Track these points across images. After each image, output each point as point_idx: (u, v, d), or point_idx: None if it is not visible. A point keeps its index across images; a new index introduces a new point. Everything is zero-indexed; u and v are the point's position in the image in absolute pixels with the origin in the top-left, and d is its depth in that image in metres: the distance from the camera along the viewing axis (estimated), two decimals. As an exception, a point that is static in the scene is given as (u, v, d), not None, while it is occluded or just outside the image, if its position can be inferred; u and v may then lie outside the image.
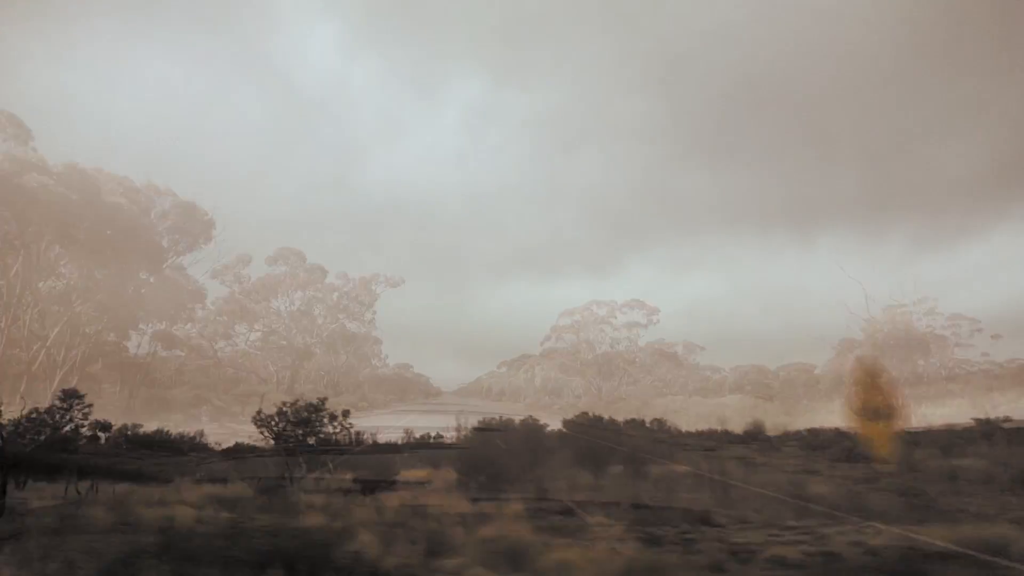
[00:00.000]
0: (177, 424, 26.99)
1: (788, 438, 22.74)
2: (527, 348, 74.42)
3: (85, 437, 15.22)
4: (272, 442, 14.56)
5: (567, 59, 78.50)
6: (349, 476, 14.78)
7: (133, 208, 42.42)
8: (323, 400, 15.23)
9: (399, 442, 19.50)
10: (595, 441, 15.98)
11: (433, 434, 20.85)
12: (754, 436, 22.12)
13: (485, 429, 18.12)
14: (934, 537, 6.89)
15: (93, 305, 39.80)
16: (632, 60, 74.12)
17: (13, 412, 14.47)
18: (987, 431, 22.13)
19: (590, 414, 25.32)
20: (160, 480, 13.27)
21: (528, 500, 10.45)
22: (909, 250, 57.99)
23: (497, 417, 21.11)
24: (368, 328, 58.40)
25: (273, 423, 14.53)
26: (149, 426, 18.56)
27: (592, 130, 77.72)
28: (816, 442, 20.78)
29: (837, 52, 64.89)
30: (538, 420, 18.64)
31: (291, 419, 14.59)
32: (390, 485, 13.17)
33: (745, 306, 61.21)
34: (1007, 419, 26.94)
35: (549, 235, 75.74)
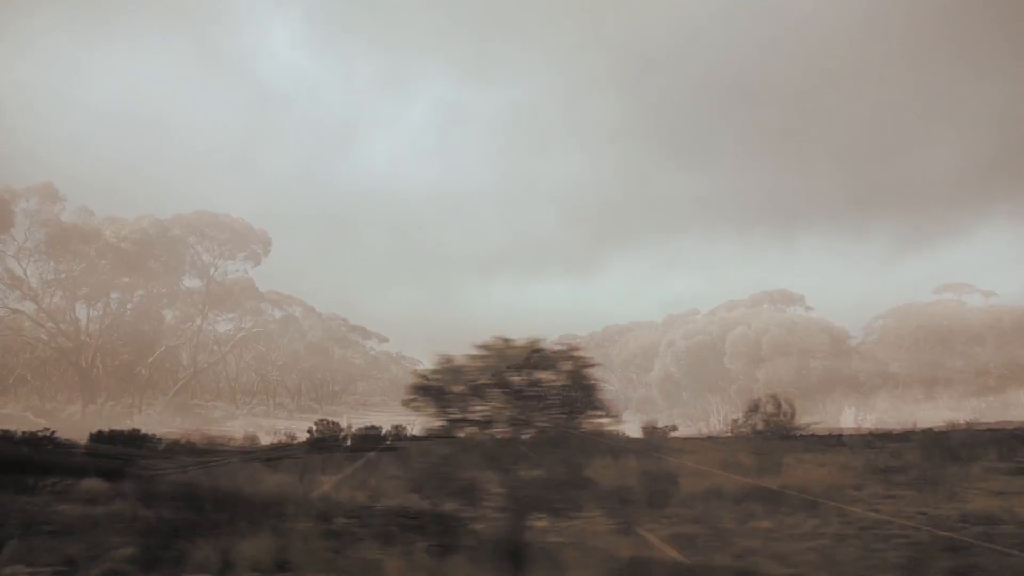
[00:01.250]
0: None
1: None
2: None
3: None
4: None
5: (542, 55, 76.33)
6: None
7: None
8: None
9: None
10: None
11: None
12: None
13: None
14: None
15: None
16: (608, 56, 71.83)
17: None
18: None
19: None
20: None
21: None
22: (892, 248, 57.78)
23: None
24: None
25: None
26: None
27: (568, 127, 75.94)
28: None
29: (816, 50, 64.05)
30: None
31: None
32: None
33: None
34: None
35: (528, 233, 73.27)
